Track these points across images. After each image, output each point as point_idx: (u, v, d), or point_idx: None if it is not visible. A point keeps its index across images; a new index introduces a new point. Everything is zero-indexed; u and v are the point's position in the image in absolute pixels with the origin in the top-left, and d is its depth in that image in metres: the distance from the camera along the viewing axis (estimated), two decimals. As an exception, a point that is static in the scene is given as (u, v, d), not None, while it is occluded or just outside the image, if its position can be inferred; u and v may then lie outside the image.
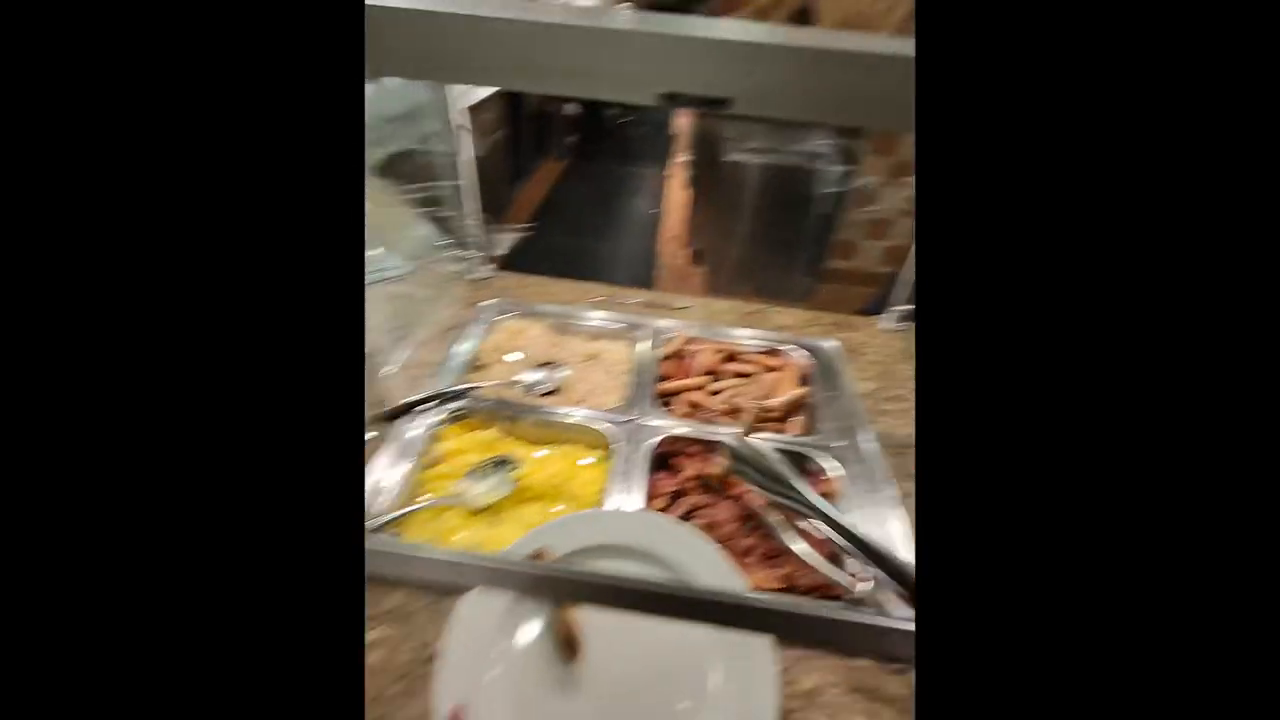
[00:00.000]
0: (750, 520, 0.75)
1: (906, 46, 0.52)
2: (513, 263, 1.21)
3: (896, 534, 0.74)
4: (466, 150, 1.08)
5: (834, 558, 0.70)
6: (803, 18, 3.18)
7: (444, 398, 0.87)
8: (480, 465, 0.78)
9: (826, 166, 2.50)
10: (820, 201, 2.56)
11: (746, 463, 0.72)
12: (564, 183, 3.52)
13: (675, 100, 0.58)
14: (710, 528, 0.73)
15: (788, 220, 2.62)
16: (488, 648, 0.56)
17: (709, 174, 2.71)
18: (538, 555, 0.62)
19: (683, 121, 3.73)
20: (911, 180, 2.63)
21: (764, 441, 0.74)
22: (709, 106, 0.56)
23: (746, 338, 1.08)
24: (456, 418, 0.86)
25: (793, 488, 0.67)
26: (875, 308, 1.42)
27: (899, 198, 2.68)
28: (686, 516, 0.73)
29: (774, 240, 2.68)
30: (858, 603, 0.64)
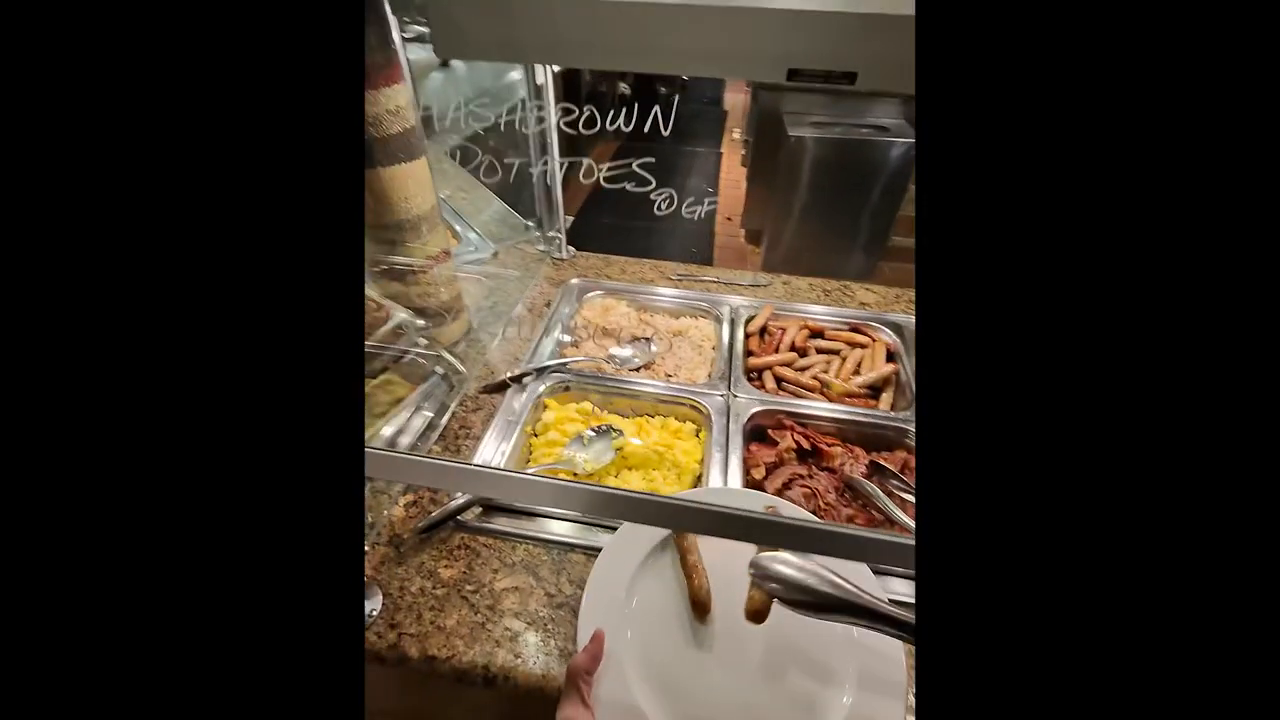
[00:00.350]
0: (849, 490, 0.76)
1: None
2: (576, 242, 1.25)
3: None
4: (553, 134, 1.11)
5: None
6: None
7: (544, 371, 0.91)
8: (584, 434, 0.83)
9: (893, 139, 2.41)
10: (885, 176, 2.47)
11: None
12: (618, 162, 3.52)
13: (800, 76, 0.59)
14: (810, 497, 0.75)
15: (850, 197, 2.55)
16: (625, 592, 0.61)
17: (768, 151, 2.65)
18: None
19: (737, 99, 3.64)
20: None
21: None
22: (836, 81, 0.57)
23: (828, 315, 1.08)
24: (557, 389, 0.91)
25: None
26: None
27: (971, 170, 2.55)
28: (787, 485, 0.75)
29: (834, 218, 2.62)
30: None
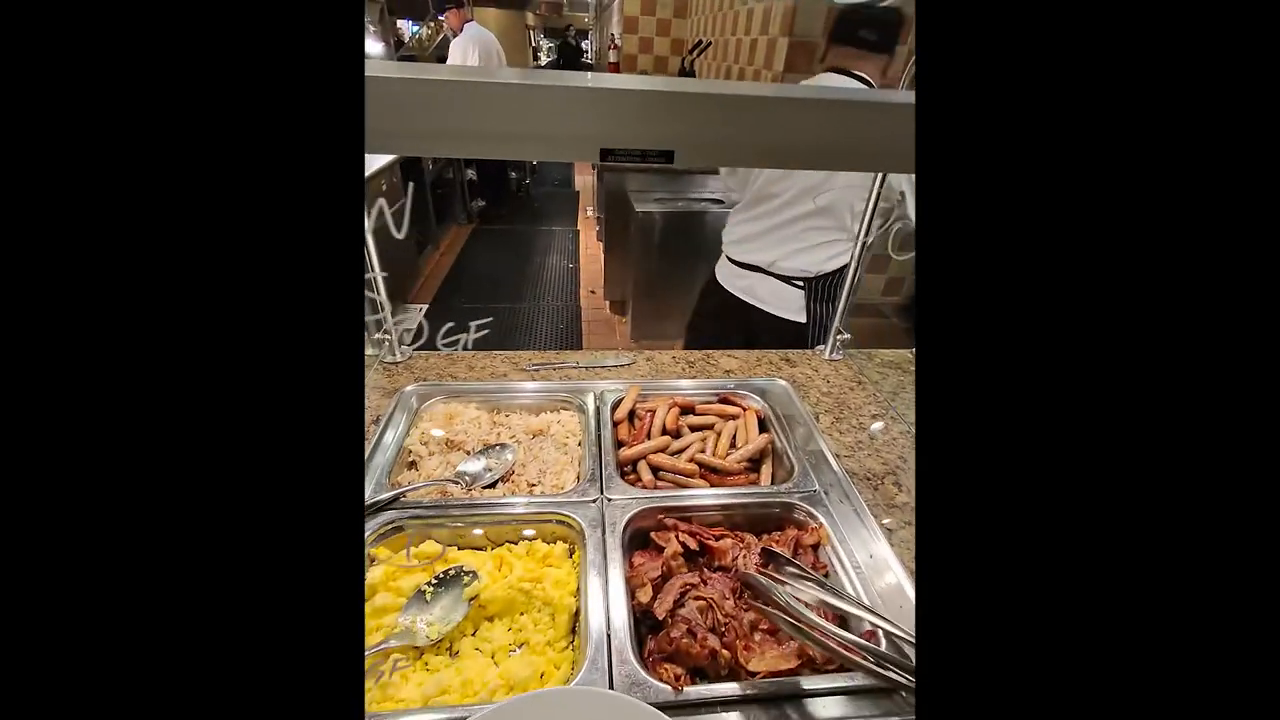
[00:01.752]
0: (747, 588, 0.68)
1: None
2: (430, 339, 1.10)
3: (900, 574, 0.70)
4: (365, 226, 0.98)
5: (842, 620, 0.64)
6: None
7: (371, 510, 0.73)
8: (426, 588, 0.65)
9: (727, 209, 2.63)
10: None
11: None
12: (473, 247, 3.42)
13: (615, 155, 0.53)
14: (706, 610, 0.64)
15: (699, 262, 2.70)
16: None
17: (619, 227, 2.75)
18: None
19: (586, 179, 3.80)
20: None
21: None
22: (653, 160, 0.52)
23: (695, 388, 1.04)
24: (388, 533, 0.72)
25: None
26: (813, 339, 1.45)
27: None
28: (679, 603, 0.64)
29: (688, 283, 2.75)
30: (878, 666, 0.58)
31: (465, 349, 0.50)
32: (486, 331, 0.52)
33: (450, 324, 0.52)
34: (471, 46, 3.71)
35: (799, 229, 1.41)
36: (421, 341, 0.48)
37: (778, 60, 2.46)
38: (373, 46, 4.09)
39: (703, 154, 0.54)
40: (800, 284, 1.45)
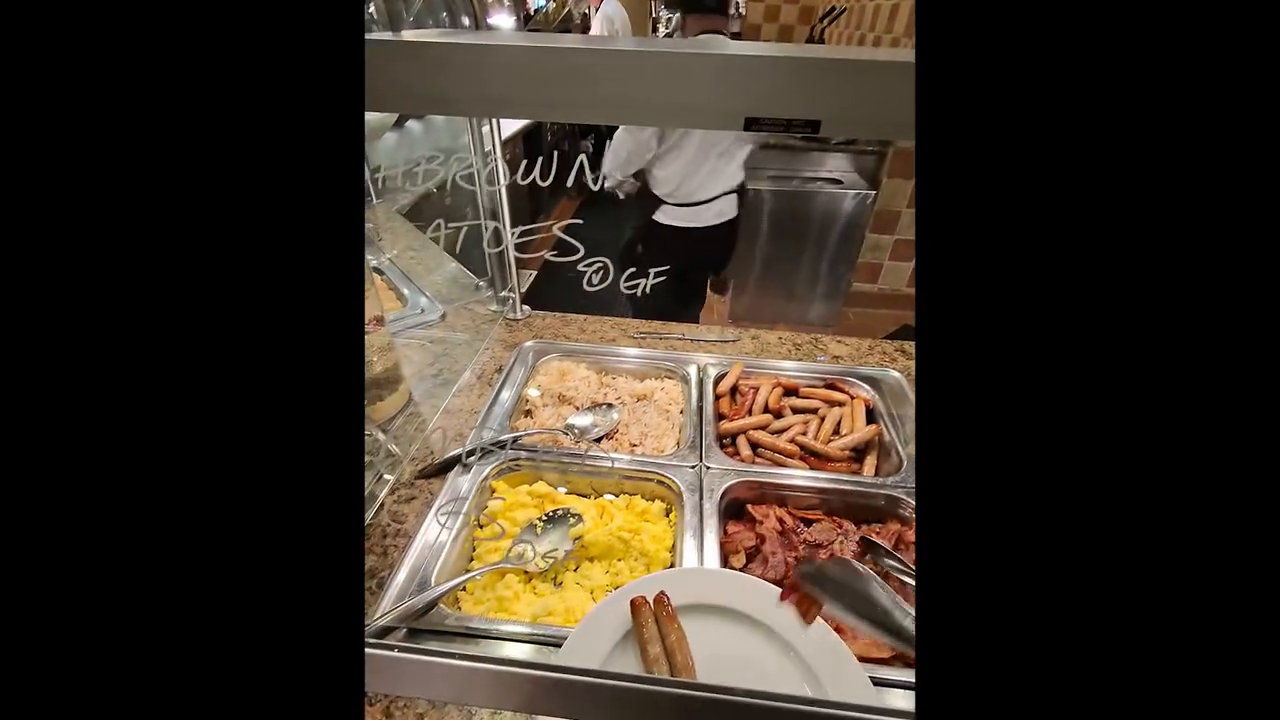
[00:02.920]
0: (841, 576, 0.67)
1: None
2: (538, 300, 1.17)
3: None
4: (503, 191, 1.05)
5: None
6: (813, 48, 3.22)
7: (492, 448, 0.81)
8: (537, 522, 0.72)
9: (846, 190, 2.49)
10: (841, 226, 2.53)
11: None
12: (580, 218, 3.54)
13: (759, 125, 0.53)
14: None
15: (809, 246, 2.59)
16: None
17: (728, 204, 2.70)
18: (658, 601, 0.56)
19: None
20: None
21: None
22: (798, 130, 0.52)
23: (801, 371, 1.01)
24: (507, 469, 0.80)
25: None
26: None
27: (923, 218, 2.65)
28: (774, 579, 0.66)
29: (796, 266, 2.65)
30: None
31: (644, 293, 0.54)
32: (664, 279, 0.55)
33: (632, 269, 0.56)
34: (609, 21, 3.84)
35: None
36: (609, 282, 0.52)
37: (922, 27, 2.24)
38: (505, 20, 4.29)
39: (850, 125, 0.52)
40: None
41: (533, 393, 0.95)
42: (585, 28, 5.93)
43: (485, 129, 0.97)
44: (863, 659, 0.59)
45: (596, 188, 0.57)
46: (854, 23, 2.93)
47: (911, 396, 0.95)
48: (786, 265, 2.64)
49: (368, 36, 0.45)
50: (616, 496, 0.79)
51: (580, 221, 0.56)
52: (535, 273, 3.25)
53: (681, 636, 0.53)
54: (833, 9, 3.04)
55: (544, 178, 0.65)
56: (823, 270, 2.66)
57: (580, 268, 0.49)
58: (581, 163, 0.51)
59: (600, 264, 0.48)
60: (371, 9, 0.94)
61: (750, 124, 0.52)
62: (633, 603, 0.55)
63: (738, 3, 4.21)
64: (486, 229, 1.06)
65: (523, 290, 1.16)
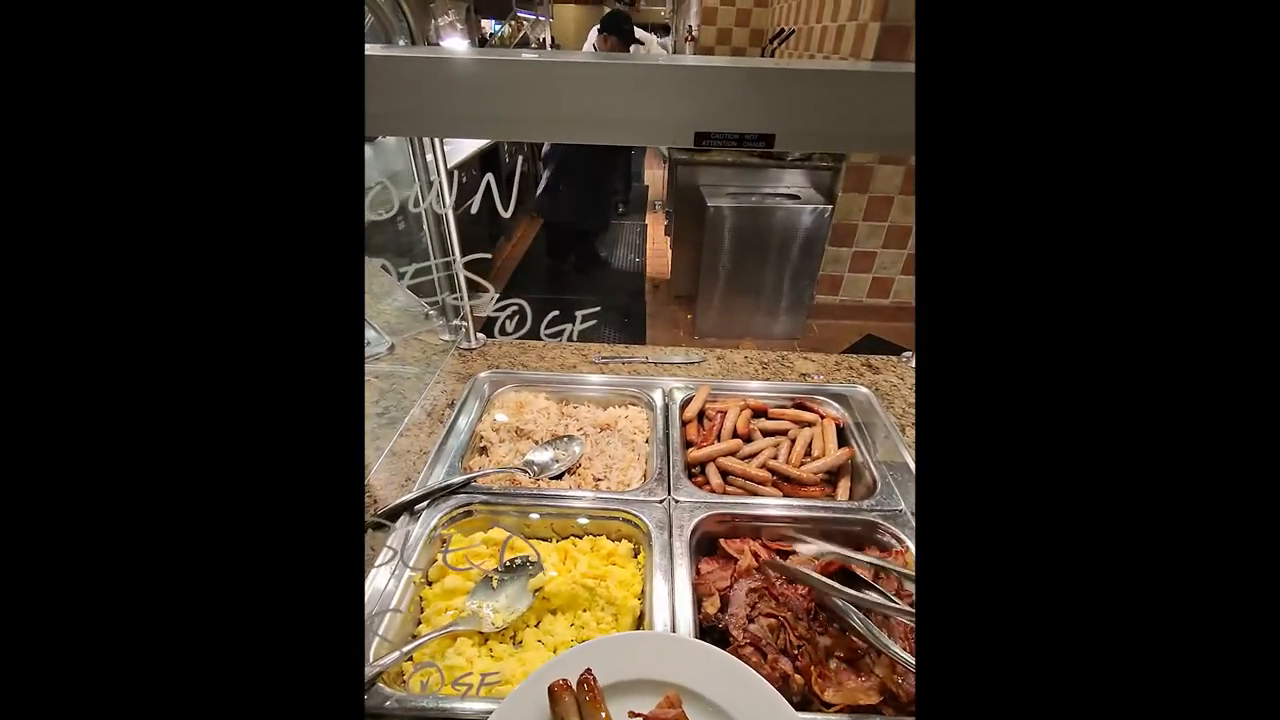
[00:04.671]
0: (823, 610, 0.63)
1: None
2: (498, 328, 1.12)
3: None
4: (450, 213, 1.00)
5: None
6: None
7: (443, 492, 0.74)
8: (493, 574, 0.65)
9: (803, 205, 2.52)
10: (801, 240, 2.56)
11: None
12: (543, 239, 3.49)
13: (710, 139, 0.50)
14: (777, 629, 0.60)
15: (771, 260, 2.61)
16: None
17: (689, 222, 2.71)
18: (582, 682, 0.48)
19: (656, 173, 3.77)
20: (888, 214, 2.66)
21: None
22: (753, 144, 0.49)
23: (769, 391, 0.99)
24: (459, 515, 0.73)
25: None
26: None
27: (878, 231, 2.71)
28: (749, 618, 0.61)
29: (759, 281, 2.66)
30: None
31: (571, 339, 0.49)
32: (593, 322, 0.51)
33: (555, 313, 0.52)
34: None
35: None
36: (525, 330, 0.48)
37: (868, 47, 2.32)
38: (459, 43, 4.26)
39: (805, 138, 0.50)
40: None
41: (500, 418, 0.89)
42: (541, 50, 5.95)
43: (429, 156, 0.92)
44: (850, 707, 0.55)
45: (506, 215, 0.53)
46: (803, 44, 3.02)
47: (880, 412, 0.93)
48: (750, 280, 2.66)
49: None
50: (581, 538, 0.73)
51: (488, 256, 0.52)
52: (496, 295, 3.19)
53: None
54: (782, 31, 3.13)
55: (487, 205, 0.60)
56: (786, 284, 2.68)
57: (491, 312, 0.45)
58: (488, 184, 0.47)
59: (516, 306, 0.44)
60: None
61: (700, 138, 0.49)
62: (551, 690, 0.47)
63: (690, 25, 4.31)
64: (435, 259, 1.00)
65: (485, 315, 1.10)
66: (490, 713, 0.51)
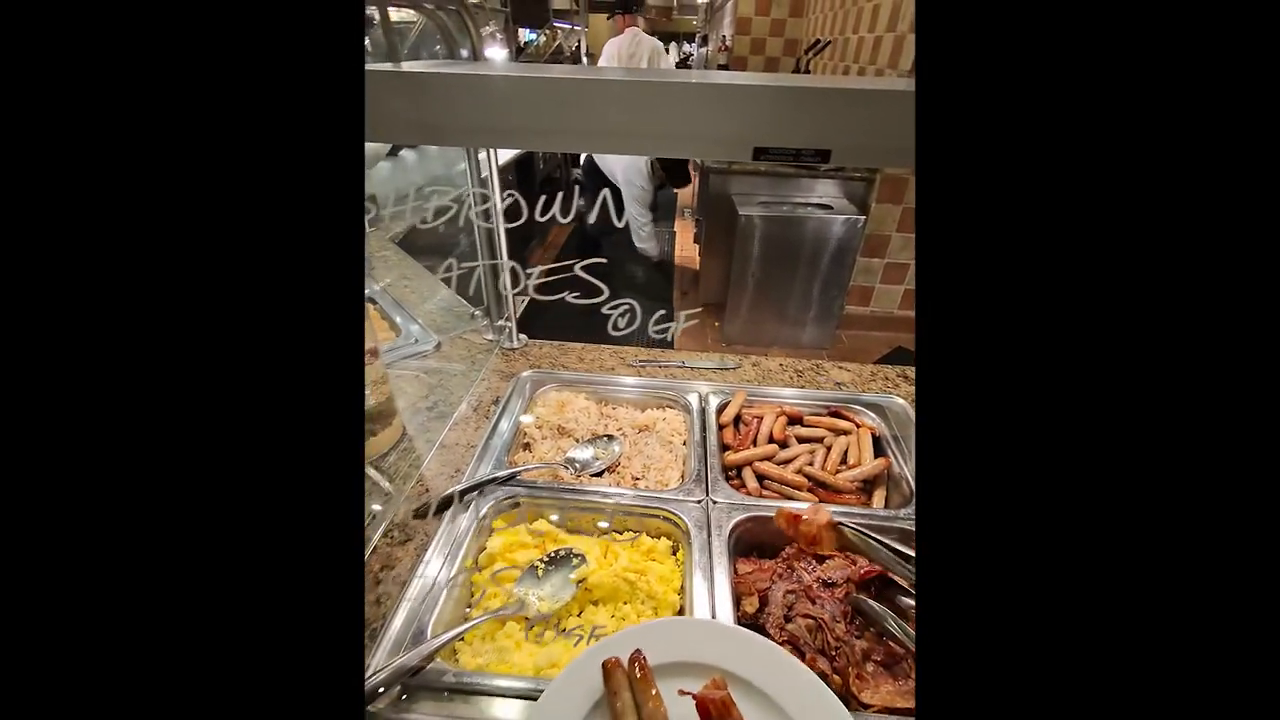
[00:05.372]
0: (860, 616, 0.64)
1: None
2: (526, 326, 1.15)
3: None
4: (499, 217, 1.04)
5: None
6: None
7: (488, 485, 0.78)
8: (538, 564, 0.68)
9: (835, 215, 2.52)
10: (832, 250, 2.55)
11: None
12: (573, 243, 3.55)
13: (768, 155, 0.53)
14: (815, 630, 0.62)
15: (801, 270, 2.61)
16: None
17: (720, 230, 2.73)
18: (633, 661, 0.51)
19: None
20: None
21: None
22: (809, 160, 0.51)
23: (804, 399, 1.00)
24: (506, 507, 0.76)
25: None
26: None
27: (912, 243, 2.69)
28: (787, 618, 0.63)
29: (789, 291, 2.66)
30: None
31: (671, 341, 0.52)
32: (695, 321, 0.55)
33: (661, 312, 0.55)
34: (634, 48, 3.64)
35: None
36: (635, 327, 0.51)
37: (904, 59, 2.31)
38: (497, 53, 4.38)
39: (858, 154, 0.52)
40: None
41: (528, 419, 0.92)
42: (575, 59, 6.05)
43: (482, 156, 0.97)
44: (886, 709, 0.56)
45: (564, 221, 0.56)
46: (839, 54, 3.02)
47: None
48: (780, 290, 2.66)
49: (366, 67, 0.43)
50: (621, 534, 0.76)
51: (604, 261, 0.54)
52: (527, 299, 3.25)
53: (659, 705, 0.48)
54: (818, 42, 3.13)
55: (541, 212, 0.63)
56: (815, 294, 2.67)
57: (605, 310, 0.48)
58: (605, 198, 0.50)
59: (627, 305, 0.46)
60: (369, 40, 0.95)
61: (759, 153, 0.52)
62: (605, 666, 0.50)
63: (724, 35, 4.34)
64: (483, 260, 1.04)
65: (517, 314, 1.14)
66: (536, 690, 0.54)
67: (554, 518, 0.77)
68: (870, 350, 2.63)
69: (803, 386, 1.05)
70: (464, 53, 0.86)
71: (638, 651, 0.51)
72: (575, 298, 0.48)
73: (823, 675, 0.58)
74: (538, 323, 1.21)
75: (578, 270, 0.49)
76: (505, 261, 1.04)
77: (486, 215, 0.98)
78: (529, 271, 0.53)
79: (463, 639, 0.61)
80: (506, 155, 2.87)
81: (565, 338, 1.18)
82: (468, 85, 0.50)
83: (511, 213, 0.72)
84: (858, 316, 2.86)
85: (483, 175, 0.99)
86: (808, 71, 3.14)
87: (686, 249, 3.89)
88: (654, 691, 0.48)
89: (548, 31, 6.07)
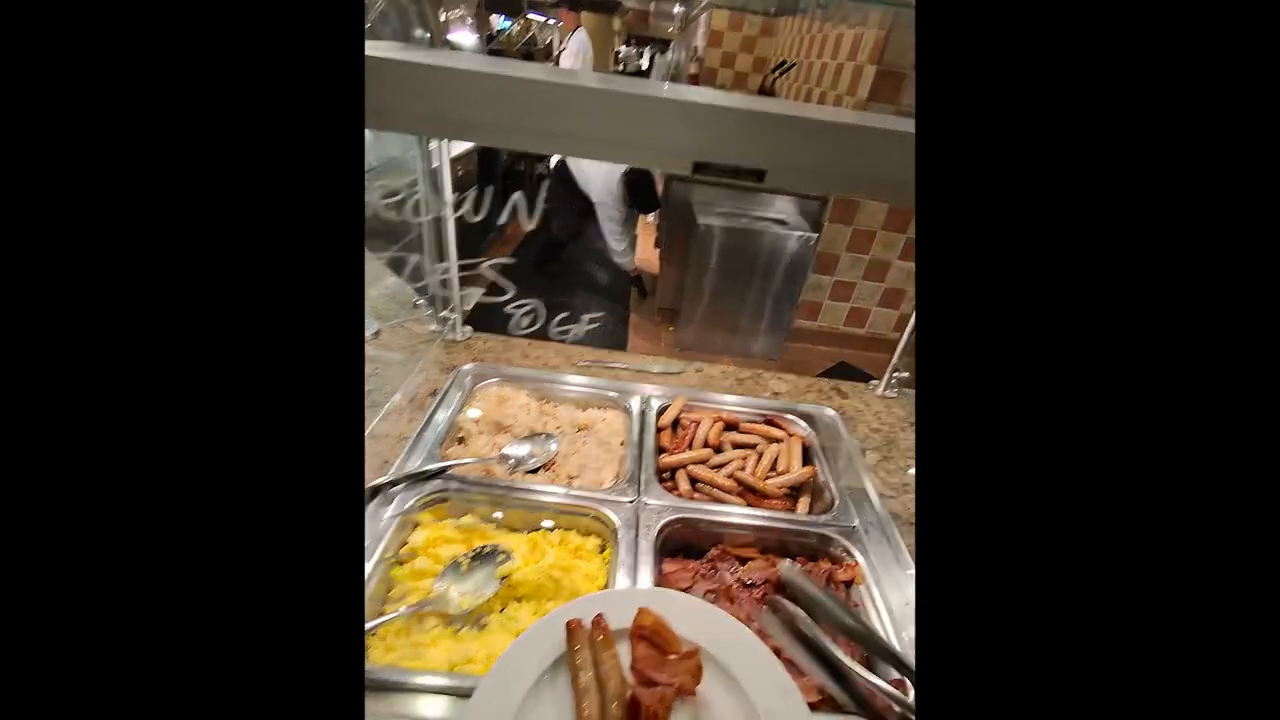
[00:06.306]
0: (774, 611, 0.67)
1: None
2: (481, 322, 1.14)
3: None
4: (449, 207, 1.03)
5: (869, 661, 0.63)
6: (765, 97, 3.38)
7: (418, 477, 0.76)
8: (462, 559, 0.67)
9: (790, 231, 2.61)
10: (786, 264, 2.64)
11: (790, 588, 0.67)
12: (533, 240, 3.52)
13: (708, 170, 0.54)
14: (731, 629, 0.64)
15: (755, 281, 2.69)
16: None
17: (679, 237, 2.77)
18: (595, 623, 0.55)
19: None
20: (870, 248, 2.76)
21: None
22: (744, 178, 0.53)
23: (742, 406, 1.03)
24: (432, 501, 0.75)
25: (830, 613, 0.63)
26: (862, 373, 1.42)
27: (859, 263, 2.81)
28: (704, 617, 0.64)
29: (741, 300, 2.73)
30: (905, 716, 0.57)
31: (577, 340, 0.53)
32: (597, 325, 0.55)
33: (565, 314, 0.55)
34: (581, 49, 3.91)
35: None
36: (537, 328, 0.51)
37: (862, 88, 2.42)
38: (466, 38, 4.28)
39: (794, 177, 0.54)
40: None
41: (473, 414, 0.91)
42: (548, 53, 6.00)
43: (433, 146, 0.95)
44: (791, 704, 0.59)
45: (531, 227, 0.56)
46: (803, 76, 3.13)
47: (844, 434, 0.98)
48: (733, 299, 2.72)
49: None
50: (551, 531, 0.76)
51: (512, 260, 0.55)
52: (483, 289, 3.19)
53: (616, 664, 0.51)
54: (784, 62, 3.24)
55: (476, 212, 0.63)
56: (767, 306, 2.75)
57: (507, 310, 0.48)
58: (515, 204, 0.50)
59: (530, 306, 0.47)
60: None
61: (699, 168, 0.54)
62: (569, 625, 0.54)
63: (697, 47, 4.41)
64: (428, 249, 1.02)
65: (466, 309, 1.12)
66: (450, 686, 0.54)
67: (485, 514, 0.76)
68: (815, 363, 2.73)
69: (743, 394, 1.08)
70: (418, 32, 0.85)
71: (599, 615, 0.55)
72: (485, 296, 0.48)
73: (733, 672, 0.60)
74: (494, 319, 1.19)
75: (484, 269, 0.49)
76: (454, 251, 1.02)
77: (429, 206, 0.96)
78: (443, 266, 0.52)
79: (375, 634, 0.60)
80: (465, 145, 2.82)
81: (522, 335, 1.17)
82: (396, 69, 0.49)
83: (467, 212, 0.71)
84: (805, 330, 2.96)
85: (434, 165, 0.97)
86: (772, 90, 3.23)
87: (646, 252, 3.92)
88: (611, 650, 0.52)
89: (521, 21, 5.98)
